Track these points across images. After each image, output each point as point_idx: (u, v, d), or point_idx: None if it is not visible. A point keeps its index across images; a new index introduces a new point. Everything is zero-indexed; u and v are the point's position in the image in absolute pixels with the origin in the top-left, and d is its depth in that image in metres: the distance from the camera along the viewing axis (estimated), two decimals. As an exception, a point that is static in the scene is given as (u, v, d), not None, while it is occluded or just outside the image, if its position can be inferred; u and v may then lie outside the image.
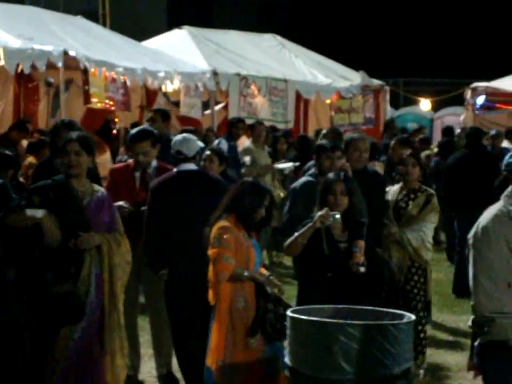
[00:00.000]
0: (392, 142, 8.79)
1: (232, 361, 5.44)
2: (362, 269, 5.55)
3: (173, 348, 6.61)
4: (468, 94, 19.23)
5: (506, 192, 4.44)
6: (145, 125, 7.19)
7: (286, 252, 5.80)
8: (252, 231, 5.65)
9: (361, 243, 5.59)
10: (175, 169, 6.52)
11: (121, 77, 12.95)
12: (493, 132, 13.89)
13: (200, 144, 7.02)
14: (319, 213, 5.61)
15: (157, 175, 6.67)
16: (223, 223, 5.54)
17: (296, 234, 5.66)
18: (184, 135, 6.80)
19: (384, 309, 5.16)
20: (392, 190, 7.16)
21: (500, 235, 4.26)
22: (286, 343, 4.91)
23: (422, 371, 7.05)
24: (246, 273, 5.48)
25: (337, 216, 5.59)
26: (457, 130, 14.46)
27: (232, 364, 5.44)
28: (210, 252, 5.49)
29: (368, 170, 6.99)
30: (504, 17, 31.31)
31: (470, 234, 4.43)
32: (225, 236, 5.45)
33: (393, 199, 7.08)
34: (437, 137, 24.03)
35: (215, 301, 5.51)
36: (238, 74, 15.32)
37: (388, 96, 19.48)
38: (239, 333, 5.47)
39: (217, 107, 16.09)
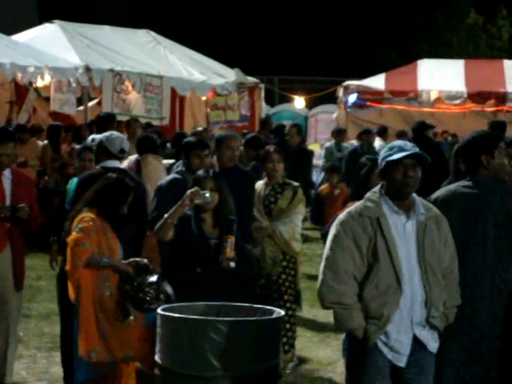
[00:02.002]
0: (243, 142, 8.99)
1: (113, 347, 5.46)
2: (232, 264, 5.56)
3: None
4: (340, 92, 19.62)
5: (374, 189, 4.54)
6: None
7: (157, 235, 5.73)
8: (116, 226, 5.61)
9: (232, 238, 5.60)
10: (98, 167, 6.49)
11: (-11, 72, 12.57)
12: (374, 131, 14.25)
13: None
14: (189, 191, 5.59)
15: (13, 179, 6.47)
16: (85, 213, 5.51)
17: (165, 215, 5.62)
18: (121, 134, 6.78)
19: (255, 305, 5.19)
20: (258, 185, 7.23)
21: (347, 229, 4.36)
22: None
23: (291, 365, 7.15)
24: (105, 260, 5.45)
25: (207, 195, 5.58)
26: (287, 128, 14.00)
27: (112, 348, 5.46)
28: (68, 238, 5.43)
29: (239, 168, 7.03)
30: (373, 17, 32.07)
31: None
32: (85, 224, 5.42)
33: (260, 194, 7.16)
34: (312, 134, 24.50)
35: (76, 294, 5.43)
36: (112, 70, 15.11)
37: (263, 94, 19.66)
38: (111, 320, 5.47)
39: (91, 103, 15.84)
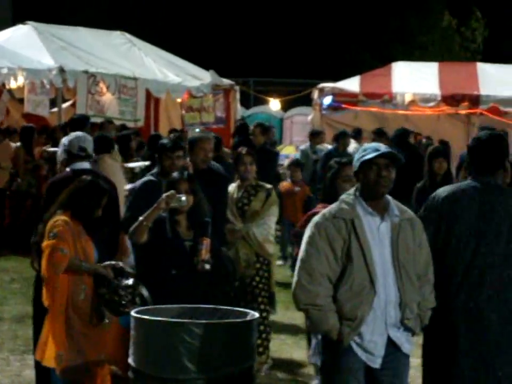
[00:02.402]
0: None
1: (86, 350, 5.42)
2: (207, 266, 5.54)
3: None
4: (315, 94, 19.61)
5: (349, 191, 4.56)
6: None
7: (131, 238, 5.70)
8: (90, 229, 5.58)
9: (207, 240, 5.59)
10: (67, 169, 6.46)
11: (-38, 73, 12.46)
12: (349, 133, 14.29)
13: None
14: (165, 194, 5.57)
15: None
16: (59, 217, 5.47)
17: (140, 218, 5.59)
18: (82, 133, 6.75)
19: (229, 307, 5.19)
20: (231, 187, 7.23)
21: (322, 231, 4.39)
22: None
23: (266, 367, 7.15)
24: (85, 265, 5.43)
25: (183, 198, 5.57)
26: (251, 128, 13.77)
27: (81, 351, 5.42)
28: (44, 244, 5.39)
29: (213, 169, 7.02)
30: (348, 20, 32.17)
31: None
32: (60, 228, 5.38)
33: (233, 197, 7.16)
34: (287, 136, 24.52)
35: (51, 298, 5.39)
36: (86, 72, 15.02)
37: (238, 96, 19.61)
38: (85, 323, 5.44)
39: (65, 105, 15.75)
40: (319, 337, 4.61)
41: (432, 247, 4.63)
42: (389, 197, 4.49)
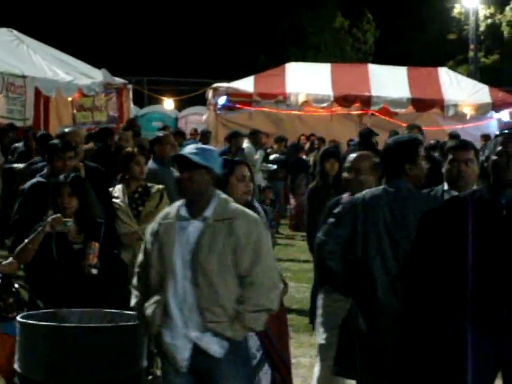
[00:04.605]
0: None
1: None
2: (94, 271, 5.41)
3: None
4: (210, 94, 19.61)
5: None
6: None
7: (17, 259, 5.50)
8: None
9: (95, 245, 5.45)
10: None
11: None
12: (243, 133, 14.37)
13: None
14: (50, 217, 5.44)
15: None
16: None
17: (26, 240, 5.45)
18: None
19: (118, 311, 5.10)
20: (118, 190, 7.06)
21: (148, 234, 4.50)
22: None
23: (158, 371, 7.02)
24: None
25: (69, 223, 5.46)
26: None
27: None
28: None
29: (87, 164, 6.89)
30: (242, 20, 32.31)
31: None
32: None
33: (124, 198, 7.00)
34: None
35: None
36: (-28, 69, 14.59)
37: (131, 95, 19.44)
38: None
39: (-52, 104, 15.23)
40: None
41: (349, 247, 4.71)
42: (216, 199, 4.38)
